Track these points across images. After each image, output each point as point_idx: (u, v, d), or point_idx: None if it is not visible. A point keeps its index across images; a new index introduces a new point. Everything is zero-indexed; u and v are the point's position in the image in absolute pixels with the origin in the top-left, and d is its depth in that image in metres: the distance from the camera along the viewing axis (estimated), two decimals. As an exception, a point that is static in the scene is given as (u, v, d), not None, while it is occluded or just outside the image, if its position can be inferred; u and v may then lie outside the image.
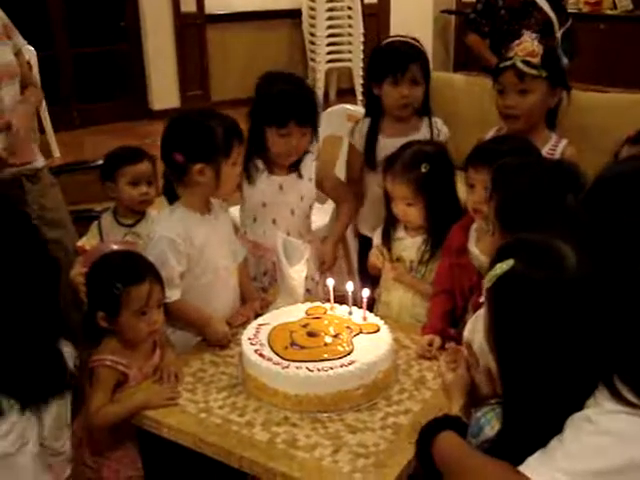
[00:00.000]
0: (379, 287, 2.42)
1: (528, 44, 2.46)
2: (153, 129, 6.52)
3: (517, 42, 2.50)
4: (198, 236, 2.15)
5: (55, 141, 5.66)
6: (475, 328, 1.68)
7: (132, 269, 1.92)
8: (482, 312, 1.73)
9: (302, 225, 2.56)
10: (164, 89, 7.17)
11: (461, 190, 2.30)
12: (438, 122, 2.73)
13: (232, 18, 7.31)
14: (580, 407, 1.18)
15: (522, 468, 1.18)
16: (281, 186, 2.49)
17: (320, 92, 7.07)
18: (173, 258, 2.09)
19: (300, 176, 2.50)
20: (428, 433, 1.44)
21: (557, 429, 1.19)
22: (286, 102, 2.36)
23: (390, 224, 2.41)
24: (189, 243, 2.12)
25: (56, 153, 5.64)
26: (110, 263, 1.96)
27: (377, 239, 2.46)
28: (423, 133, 2.68)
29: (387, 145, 2.60)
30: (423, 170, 2.24)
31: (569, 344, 1.19)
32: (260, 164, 2.49)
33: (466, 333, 1.74)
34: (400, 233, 2.39)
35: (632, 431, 1.11)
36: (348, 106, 3.65)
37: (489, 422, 1.37)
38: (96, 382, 1.88)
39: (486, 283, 1.29)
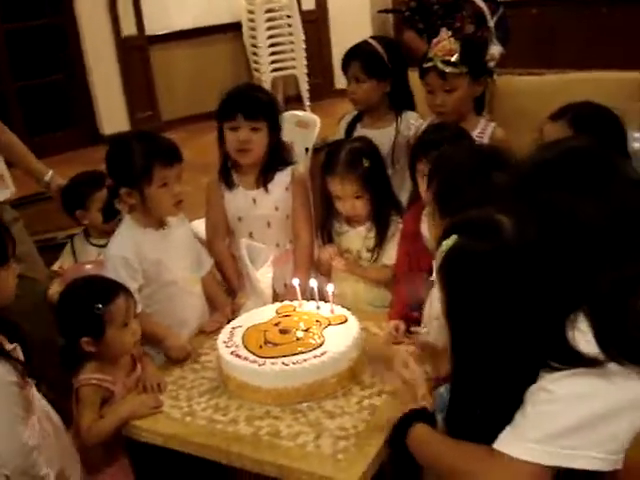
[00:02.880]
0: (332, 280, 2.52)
1: (445, 43, 2.60)
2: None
3: (435, 41, 2.63)
4: (151, 251, 2.22)
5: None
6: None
7: (104, 287, 2.00)
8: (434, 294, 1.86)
9: (280, 236, 2.58)
10: (113, 113, 7.19)
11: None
12: (411, 116, 2.86)
13: (173, 37, 7.37)
14: (525, 377, 1.26)
15: (495, 446, 1.26)
16: (254, 199, 2.52)
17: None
18: (127, 276, 2.15)
19: (268, 185, 2.52)
20: (401, 428, 1.53)
21: (506, 401, 1.27)
22: (233, 97, 2.48)
23: (330, 222, 2.53)
24: (142, 259, 2.20)
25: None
26: (80, 290, 2.03)
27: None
28: (393, 127, 2.84)
29: (362, 134, 2.77)
30: (366, 165, 2.38)
31: (515, 311, 1.26)
32: (235, 177, 2.55)
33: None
34: (343, 227, 2.52)
35: (580, 392, 1.20)
36: (298, 112, 3.76)
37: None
38: (83, 402, 1.95)
39: (436, 261, 1.39)
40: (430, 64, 2.59)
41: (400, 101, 2.87)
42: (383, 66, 2.80)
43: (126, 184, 2.18)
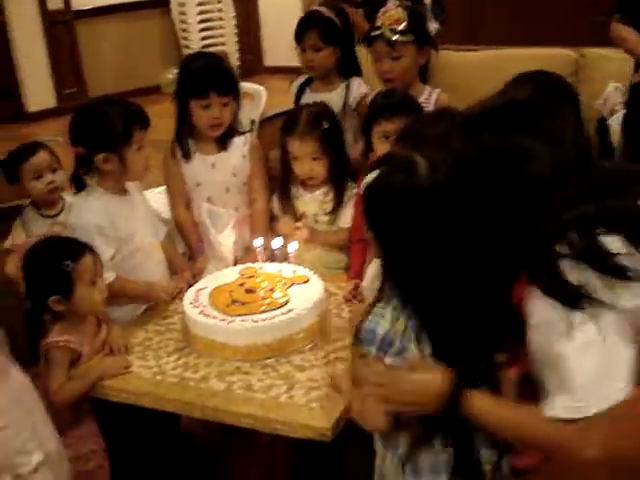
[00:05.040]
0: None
1: (393, 12, 2.69)
2: (30, 131, 6.41)
3: (383, 10, 2.72)
4: (122, 218, 2.24)
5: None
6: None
7: (72, 245, 2.00)
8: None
9: (238, 201, 2.61)
10: (38, 90, 7.05)
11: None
12: (356, 82, 2.98)
13: (100, 12, 7.27)
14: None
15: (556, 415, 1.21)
16: (213, 164, 2.55)
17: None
18: (102, 243, 2.16)
19: (226, 151, 2.57)
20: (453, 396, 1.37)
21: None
22: (205, 73, 2.49)
23: (286, 185, 2.59)
24: (116, 226, 2.21)
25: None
26: (47, 249, 2.02)
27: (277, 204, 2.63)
28: (337, 92, 2.96)
29: (310, 98, 2.92)
30: (325, 126, 2.46)
31: (424, 242, 1.36)
32: (192, 144, 2.57)
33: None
34: (299, 191, 2.58)
35: (592, 337, 1.19)
36: (243, 84, 3.76)
37: (378, 322, 1.46)
38: (52, 363, 1.95)
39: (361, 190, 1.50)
40: (378, 32, 2.69)
41: (349, 67, 2.97)
42: (338, 33, 2.91)
43: (104, 149, 2.18)
